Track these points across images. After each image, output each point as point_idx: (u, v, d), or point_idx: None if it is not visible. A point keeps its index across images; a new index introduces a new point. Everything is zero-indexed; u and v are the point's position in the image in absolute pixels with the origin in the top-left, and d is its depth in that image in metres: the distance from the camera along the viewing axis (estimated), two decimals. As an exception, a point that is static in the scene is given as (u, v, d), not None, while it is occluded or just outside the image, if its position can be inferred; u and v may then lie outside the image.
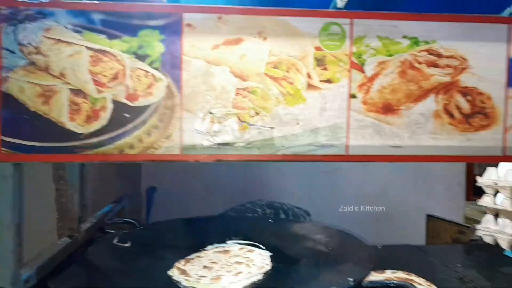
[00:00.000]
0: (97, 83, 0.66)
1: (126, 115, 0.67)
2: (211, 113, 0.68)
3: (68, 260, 0.88)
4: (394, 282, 0.73)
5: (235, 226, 1.25)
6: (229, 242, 1.17)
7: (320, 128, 0.70)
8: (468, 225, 2.22)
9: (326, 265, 0.91)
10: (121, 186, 1.96)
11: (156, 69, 0.67)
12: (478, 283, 1.14)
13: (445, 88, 0.72)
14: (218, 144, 0.68)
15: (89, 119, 0.66)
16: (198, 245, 1.13)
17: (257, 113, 0.69)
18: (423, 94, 0.71)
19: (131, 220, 1.27)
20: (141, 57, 0.66)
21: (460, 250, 1.59)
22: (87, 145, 0.66)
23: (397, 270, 1.23)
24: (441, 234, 2.21)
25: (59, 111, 0.65)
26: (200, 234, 1.21)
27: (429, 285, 1.14)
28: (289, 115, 0.70)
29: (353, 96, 0.70)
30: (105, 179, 1.73)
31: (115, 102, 0.67)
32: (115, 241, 1.08)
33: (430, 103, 0.72)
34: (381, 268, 1.22)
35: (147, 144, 0.67)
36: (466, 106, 0.72)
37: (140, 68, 0.66)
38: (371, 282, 0.75)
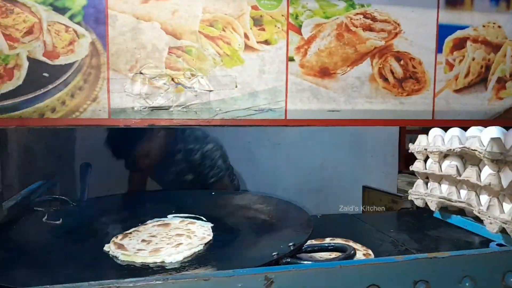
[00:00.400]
0: (8, 37, 0.58)
1: (45, 74, 0.60)
2: (141, 73, 0.63)
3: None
4: (332, 244, 0.75)
5: (176, 200, 1.21)
6: (169, 216, 1.14)
7: (259, 91, 0.68)
8: (400, 194, 2.37)
9: (267, 233, 0.91)
10: (53, 162, 1.84)
11: (78, 23, 0.61)
12: (409, 246, 1.22)
13: (380, 52, 0.73)
14: (151, 107, 0.64)
15: (0, 78, 0.59)
16: (137, 221, 1.08)
17: (193, 75, 0.66)
18: (359, 58, 0.72)
19: (63, 197, 1.18)
20: (60, 10, 0.59)
21: (393, 217, 1.69)
22: (-1, 108, 0.59)
23: (336, 237, 1.28)
24: (376, 204, 2.34)
25: (-37, 69, 0.57)
26: (139, 209, 1.16)
27: (365, 250, 1.20)
28: (227, 77, 0.67)
29: (291, 59, 0.69)
30: (34, 155, 1.60)
31: (32, 60, 0.60)
32: (44, 218, 1.01)
33: (366, 67, 0.73)
34: (320, 236, 1.27)
35: (71, 107, 0.61)
36: (399, 70, 0.74)
37: (59, 22, 0.60)
38: (310, 245, 0.76)
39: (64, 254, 0.84)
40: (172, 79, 0.64)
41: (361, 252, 1.19)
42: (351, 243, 1.25)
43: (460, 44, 0.75)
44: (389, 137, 2.68)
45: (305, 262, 0.66)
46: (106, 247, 0.90)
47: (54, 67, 0.60)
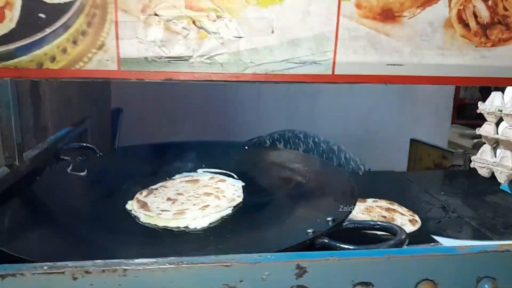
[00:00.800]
0: (-6, -32, 0.47)
1: (42, 15, 0.50)
2: (156, 15, 0.51)
3: (7, 193, 0.76)
4: (379, 223, 0.64)
5: (208, 153, 1.13)
6: (199, 170, 1.07)
7: (302, 39, 0.55)
8: (452, 150, 2.18)
9: (302, 199, 0.81)
10: (87, 106, 1.80)
11: (77, -51, 0.48)
12: (462, 213, 1.09)
13: (463, -11, 0.56)
14: (168, 57, 0.53)
15: (-11, 20, 0.49)
16: (165, 174, 1.02)
17: (219, 17, 0.53)
18: (434, -4, 0.55)
19: (90, 146, 1.14)
20: None
21: (443, 176, 1.53)
22: (-9, 56, 0.49)
23: (379, 199, 1.17)
24: (424, 159, 2.18)
25: None
26: (169, 162, 1.10)
27: (412, 215, 1.09)
28: (262, 20, 0.53)
29: (345, -4, 0.54)
30: (69, 97, 1.56)
31: (24, -3, 0.49)
32: (69, 169, 0.96)
33: (442, 8, 0.56)
34: (362, 196, 1.16)
35: (73, 56, 0.51)
36: (485, 14, 0.57)
37: None
38: (352, 222, 0.66)
39: (84, 212, 0.79)
40: (194, 22, 0.52)
41: (407, 218, 1.08)
42: (396, 206, 1.14)
43: None
44: (444, 86, 2.43)
45: (345, 246, 0.56)
46: (129, 205, 0.85)
47: (52, 6, 0.49)
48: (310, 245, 0.59)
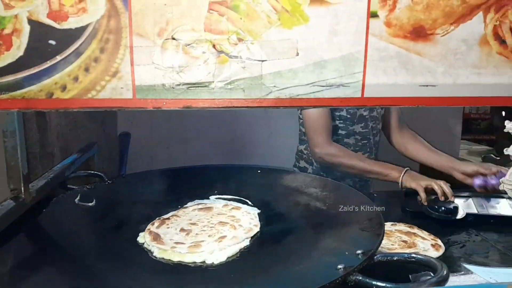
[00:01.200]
0: (2, -6, 0.45)
1: (51, 42, 0.46)
2: (174, 39, 0.48)
3: (13, 228, 0.72)
4: (414, 256, 0.59)
5: (220, 178, 1.09)
6: (212, 197, 1.02)
7: (328, 60, 0.51)
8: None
9: (325, 228, 0.76)
10: (94, 130, 1.77)
11: (90, -28, 0.45)
12: (486, 235, 1.04)
13: (498, 3, 0.52)
14: (187, 84, 0.49)
15: (-4, 48, 0.45)
16: (177, 202, 0.97)
17: (241, 40, 0.49)
18: (468, 12, 0.52)
19: (98, 173, 1.10)
20: (65, -46, 0.44)
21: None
22: (-2, 87, 0.46)
23: (398, 222, 1.12)
24: (437, 177, 2.12)
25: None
26: (179, 188, 1.05)
27: (433, 239, 1.03)
28: (286, 41, 0.50)
29: (373, 14, 0.50)
30: (76, 121, 1.53)
31: (34, 23, 0.46)
32: (76, 200, 0.92)
33: (476, 25, 0.53)
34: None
35: (85, 84, 0.48)
36: (523, 29, 0.53)
37: (65, -29, 0.45)
38: (384, 254, 0.61)
39: (94, 246, 0.75)
40: (214, 46, 0.48)
41: (429, 242, 1.02)
42: (416, 230, 1.08)
43: None
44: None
45: (382, 284, 0.51)
46: (141, 237, 0.80)
47: (62, 32, 0.46)
48: (342, 282, 0.54)
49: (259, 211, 0.91)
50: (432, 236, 1.04)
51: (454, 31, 0.52)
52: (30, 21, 0.45)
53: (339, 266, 0.56)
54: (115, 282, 0.60)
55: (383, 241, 0.98)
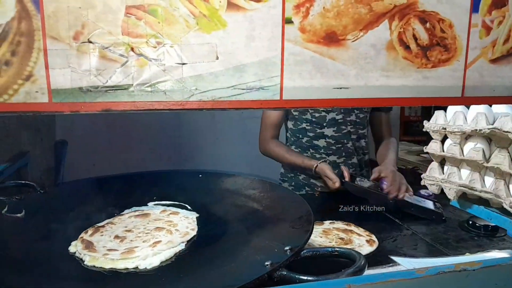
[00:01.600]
0: None
1: (-43, 44, 0.45)
2: (90, 42, 0.48)
3: None
4: (337, 249, 0.62)
5: (159, 184, 1.08)
6: (150, 204, 1.01)
7: (247, 64, 0.53)
8: (402, 167, 2.25)
9: (258, 228, 0.78)
10: (28, 139, 1.69)
11: (-2, -27, 0.44)
12: (416, 229, 1.11)
13: (401, 12, 0.57)
14: (105, 87, 0.49)
15: None
16: (113, 210, 0.95)
17: (160, 43, 0.50)
18: (375, 20, 0.56)
19: (29, 182, 1.05)
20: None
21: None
22: None
23: (336, 220, 1.17)
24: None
25: None
26: (117, 195, 1.03)
27: (368, 235, 1.09)
28: (205, 46, 0.51)
29: (288, 20, 0.53)
30: (6, 131, 1.45)
31: None
32: (4, 211, 0.88)
33: (383, 32, 0.57)
34: (319, 218, 1.15)
35: (-4, 88, 0.46)
36: (424, 36, 0.59)
37: (-30, -29, 0.44)
38: (310, 249, 0.64)
39: (21, 257, 0.71)
40: (132, 49, 0.49)
41: (364, 238, 1.08)
42: (353, 227, 1.14)
43: (500, 1, 0.59)
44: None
45: (305, 277, 0.54)
46: (73, 247, 0.78)
47: (-31, 34, 0.44)
48: (268, 278, 0.55)
49: (197, 215, 0.91)
50: (367, 233, 1.10)
51: (364, 37, 0.56)
52: None
53: (267, 263, 0.58)
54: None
55: (321, 239, 1.02)
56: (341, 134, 1.44)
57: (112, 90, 0.49)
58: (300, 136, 1.46)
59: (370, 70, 0.57)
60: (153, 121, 2.00)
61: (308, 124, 1.44)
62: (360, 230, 1.12)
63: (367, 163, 1.56)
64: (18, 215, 0.87)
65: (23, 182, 1.06)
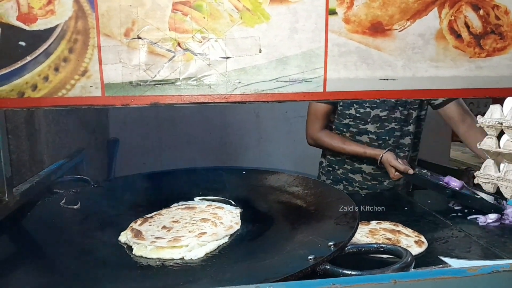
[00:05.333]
0: (-27, -3, 0.47)
1: (21, 43, 0.48)
2: (140, 38, 0.50)
3: (-5, 229, 0.73)
4: (383, 246, 0.61)
5: (205, 180, 1.11)
6: (196, 198, 1.04)
7: (290, 56, 0.53)
8: (455, 167, 2.14)
9: (302, 224, 0.78)
10: (85, 137, 1.79)
11: (57, -24, 0.48)
12: (470, 231, 1.05)
13: (451, 0, 0.55)
14: (153, 81, 0.51)
15: (-32, 50, 0.47)
16: (161, 204, 0.99)
17: (205, 38, 0.51)
18: (423, 8, 0.54)
19: (84, 177, 1.11)
20: (32, -42, 0.47)
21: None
22: (-30, 87, 0.48)
23: (383, 220, 1.13)
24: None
25: None
26: (165, 190, 1.07)
27: (417, 236, 1.05)
28: (248, 39, 0.52)
29: (332, 11, 0.53)
30: (66, 129, 1.54)
31: (3, 26, 0.48)
32: (62, 202, 0.94)
33: (432, 20, 0.55)
34: (365, 218, 1.12)
35: (55, 83, 0.50)
36: (477, 24, 0.56)
37: (34, -25, 0.47)
38: (355, 245, 0.62)
39: (74, 246, 0.76)
40: (179, 44, 0.51)
41: (412, 239, 1.04)
42: (401, 228, 1.10)
43: None
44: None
45: (348, 272, 0.53)
46: (122, 236, 0.81)
47: (32, 33, 0.48)
48: (311, 272, 0.55)
49: (241, 210, 0.93)
50: (416, 233, 1.06)
51: (411, 26, 0.54)
52: (0, 24, 0.47)
53: (310, 257, 0.57)
54: (91, 279, 0.62)
55: (367, 240, 1.00)
56: (384, 131, 1.41)
57: (160, 84, 0.51)
58: (344, 130, 1.45)
59: (418, 60, 0.55)
60: (200, 122, 2.05)
61: (351, 119, 1.43)
62: (408, 231, 1.08)
63: (413, 160, 1.50)
64: (75, 206, 0.93)
65: (79, 176, 1.13)
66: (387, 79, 0.55)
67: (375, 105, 1.33)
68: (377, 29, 0.54)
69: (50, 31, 0.48)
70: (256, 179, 1.09)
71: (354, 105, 1.36)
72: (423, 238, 1.01)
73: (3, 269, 0.62)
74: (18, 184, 0.91)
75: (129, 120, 2.02)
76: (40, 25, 0.48)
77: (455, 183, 1.21)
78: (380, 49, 0.54)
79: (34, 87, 0.49)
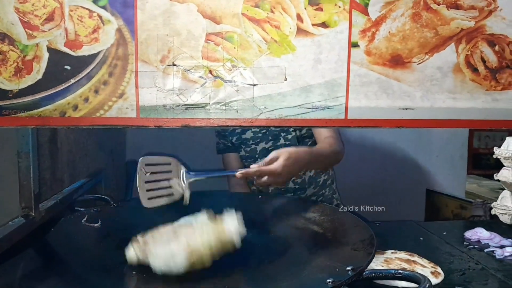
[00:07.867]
0: (27, 25, 0.51)
1: (67, 67, 0.53)
2: (174, 65, 0.54)
3: (22, 243, 0.76)
4: (401, 272, 0.61)
5: (219, 203, 1.12)
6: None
7: (314, 85, 0.56)
8: (470, 200, 2.12)
9: (319, 249, 0.79)
10: (104, 158, 1.83)
11: (103, 7, 0.52)
12: (487, 264, 1.04)
13: (468, 36, 0.58)
14: (185, 105, 0.54)
15: (19, 72, 0.52)
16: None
17: (234, 66, 0.55)
18: (441, 43, 0.57)
19: (105, 197, 1.14)
20: (83, -8, 0.52)
21: (463, 226, 1.48)
22: (18, 105, 0.52)
23: (398, 250, 1.13)
24: (442, 209, 2.11)
25: (-21, 62, 0.51)
26: (183, 211, 1.09)
27: (433, 267, 1.04)
28: (275, 68, 0.56)
29: (354, 44, 0.56)
30: (85, 150, 1.59)
31: (52, 51, 0.52)
32: (83, 220, 0.96)
33: (449, 54, 0.58)
34: (380, 247, 1.12)
35: (94, 104, 0.53)
36: (493, 58, 0.58)
37: (82, 7, 0.52)
38: (373, 271, 0.63)
39: (96, 263, 0.78)
40: (210, 72, 0.54)
41: (428, 270, 1.03)
42: (416, 258, 1.09)
43: None
44: (457, 135, 2.42)
45: (367, 296, 0.53)
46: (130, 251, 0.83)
47: (77, 58, 0.52)
48: (329, 295, 0.56)
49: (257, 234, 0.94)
50: (432, 264, 1.05)
51: (429, 59, 0.57)
52: (49, 49, 0.52)
53: (328, 280, 0.58)
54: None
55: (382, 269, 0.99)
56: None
57: (191, 107, 0.54)
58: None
59: (436, 92, 0.58)
60: (211, 147, 2.10)
61: (244, 160, 1.41)
62: (424, 261, 1.07)
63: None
64: (95, 225, 0.95)
65: (99, 196, 1.16)
66: (406, 109, 0.58)
67: (258, 140, 1.30)
68: (397, 61, 0.57)
69: (93, 56, 0.52)
70: (271, 203, 1.10)
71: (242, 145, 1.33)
72: (439, 269, 1.00)
73: (30, 282, 0.64)
74: (43, 201, 0.94)
75: (145, 144, 2.07)
76: (85, 51, 0.52)
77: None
78: (400, 80, 0.57)
79: (75, 107, 0.53)
